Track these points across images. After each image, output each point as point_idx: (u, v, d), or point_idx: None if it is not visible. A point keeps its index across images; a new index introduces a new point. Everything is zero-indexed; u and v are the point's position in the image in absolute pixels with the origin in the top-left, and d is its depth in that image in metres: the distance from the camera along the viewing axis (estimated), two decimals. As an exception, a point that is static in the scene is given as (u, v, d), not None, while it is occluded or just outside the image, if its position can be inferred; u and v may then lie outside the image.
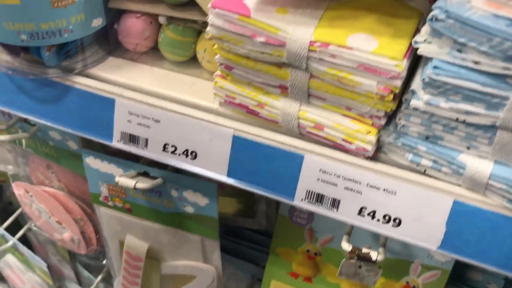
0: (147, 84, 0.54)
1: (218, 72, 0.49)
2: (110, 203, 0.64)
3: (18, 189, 0.76)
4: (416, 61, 0.43)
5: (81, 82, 0.55)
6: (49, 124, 0.57)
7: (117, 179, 0.56)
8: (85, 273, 0.90)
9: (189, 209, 0.59)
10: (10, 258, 0.94)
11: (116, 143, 0.55)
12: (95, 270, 0.92)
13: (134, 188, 0.55)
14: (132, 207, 0.62)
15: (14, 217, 0.92)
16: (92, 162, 0.60)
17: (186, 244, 0.63)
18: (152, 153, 0.54)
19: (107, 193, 0.63)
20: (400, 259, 0.60)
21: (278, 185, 0.50)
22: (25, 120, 0.65)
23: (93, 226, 0.73)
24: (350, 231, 0.52)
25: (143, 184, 0.55)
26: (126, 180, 0.55)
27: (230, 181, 0.52)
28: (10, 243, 0.87)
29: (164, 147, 0.53)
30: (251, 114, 0.49)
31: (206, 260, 0.64)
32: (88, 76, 0.55)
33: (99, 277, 0.86)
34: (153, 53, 0.58)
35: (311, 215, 0.62)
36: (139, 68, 0.56)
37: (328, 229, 0.62)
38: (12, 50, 0.55)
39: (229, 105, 0.50)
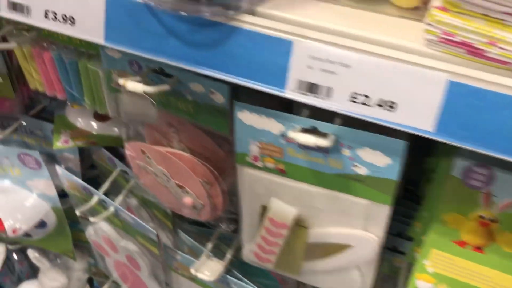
0: (329, 23, 0.46)
1: (438, 3, 0.41)
2: (259, 163, 0.56)
3: (132, 150, 0.69)
4: None
5: (251, 22, 0.47)
6: (205, 72, 0.50)
7: (292, 134, 0.48)
8: (188, 241, 0.84)
9: (361, 171, 0.52)
10: (103, 225, 0.88)
11: (290, 93, 0.47)
12: (201, 238, 0.85)
13: (316, 146, 0.47)
14: (287, 168, 0.55)
15: (110, 182, 0.85)
16: (246, 117, 0.53)
17: (347, 210, 0.56)
18: (336, 104, 0.46)
19: (258, 152, 0.55)
20: None
21: (503, 143, 0.42)
22: (157, 71, 0.58)
23: (221, 190, 0.66)
24: None
25: (324, 141, 0.47)
26: (305, 136, 0.48)
27: (439, 136, 0.44)
28: (111, 209, 0.81)
29: (353, 97, 0.45)
30: (472, 54, 0.41)
31: (367, 228, 0.57)
32: (256, 15, 0.47)
33: (210, 245, 0.79)
34: (324, -12, 0.49)
35: (491, 176, 0.54)
36: (313, 4, 0.48)
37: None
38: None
39: (443, 44, 0.42)
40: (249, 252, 0.67)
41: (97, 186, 0.85)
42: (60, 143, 0.86)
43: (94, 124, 0.89)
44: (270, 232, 0.62)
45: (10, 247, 1.09)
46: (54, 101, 0.97)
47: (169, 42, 0.50)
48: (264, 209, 0.60)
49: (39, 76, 0.78)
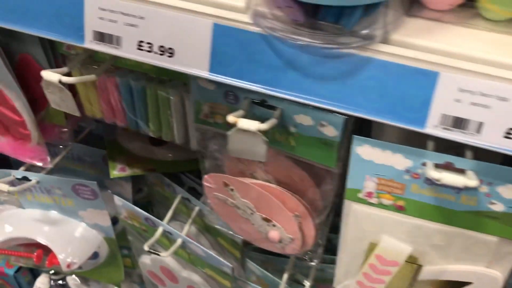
0: (477, 51, 0.41)
1: None
2: (373, 200, 0.52)
3: (212, 182, 0.65)
4: None
5: (385, 51, 0.42)
6: (329, 106, 0.45)
7: (436, 175, 0.44)
8: (257, 270, 0.80)
9: (498, 207, 0.47)
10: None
11: (431, 129, 0.43)
12: (266, 266, 0.81)
13: (464, 187, 0.43)
14: (407, 205, 0.51)
15: (172, 211, 0.80)
16: (366, 151, 0.48)
17: (472, 247, 0.51)
18: (487, 140, 0.42)
19: (374, 188, 0.51)
20: None
21: None
22: (257, 103, 0.53)
23: (314, 224, 0.62)
24: None
25: (473, 182, 0.43)
26: (453, 176, 0.43)
27: None
28: (178, 242, 0.76)
29: (508, 133, 0.41)
30: None
31: (492, 265, 0.52)
32: (389, 43, 0.43)
33: (285, 276, 0.75)
34: (456, 10, 0.45)
35: None
36: (449, 29, 0.44)
37: None
38: (303, 10, 0.42)
39: None
40: (345, 288, 0.62)
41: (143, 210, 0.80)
42: (117, 171, 0.81)
43: (150, 149, 0.85)
44: (376, 269, 0.57)
45: (53, 277, 1.04)
46: (100, 124, 0.92)
47: (287, 74, 0.45)
48: (371, 245, 0.56)
49: (98, 103, 0.73)
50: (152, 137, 0.84)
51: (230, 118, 0.48)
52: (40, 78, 0.74)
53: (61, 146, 0.88)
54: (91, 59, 0.67)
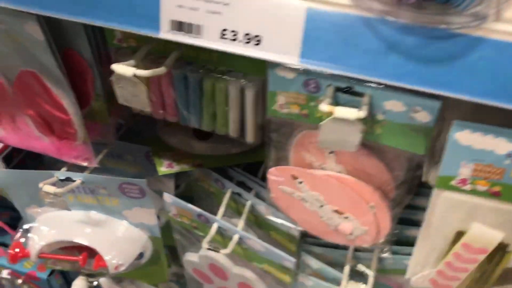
0: None
1: None
2: (466, 187, 0.50)
3: (279, 175, 0.62)
4: None
5: (499, 30, 0.40)
6: (434, 91, 0.43)
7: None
8: (314, 263, 0.78)
9: None
10: (213, 253, 0.81)
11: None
12: (320, 258, 0.79)
13: None
14: (503, 190, 0.49)
15: (225, 206, 0.78)
16: (466, 137, 0.46)
17: None
18: None
19: (469, 174, 0.49)
20: None
21: None
22: (342, 90, 0.51)
23: (390, 215, 0.60)
24: None
25: None
26: None
27: None
28: (235, 238, 0.73)
29: None
30: None
31: None
32: (505, 21, 0.41)
33: (347, 268, 0.73)
34: None
35: None
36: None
37: None
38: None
39: None
40: (422, 278, 0.60)
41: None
42: (164, 168, 0.79)
43: (194, 144, 0.82)
44: (461, 258, 0.55)
45: (90, 279, 1.01)
46: (137, 121, 0.89)
47: (388, 58, 0.43)
48: (458, 234, 0.54)
49: (146, 97, 0.70)
50: (195, 131, 0.82)
51: (325, 107, 0.45)
52: (85, 73, 0.71)
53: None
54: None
